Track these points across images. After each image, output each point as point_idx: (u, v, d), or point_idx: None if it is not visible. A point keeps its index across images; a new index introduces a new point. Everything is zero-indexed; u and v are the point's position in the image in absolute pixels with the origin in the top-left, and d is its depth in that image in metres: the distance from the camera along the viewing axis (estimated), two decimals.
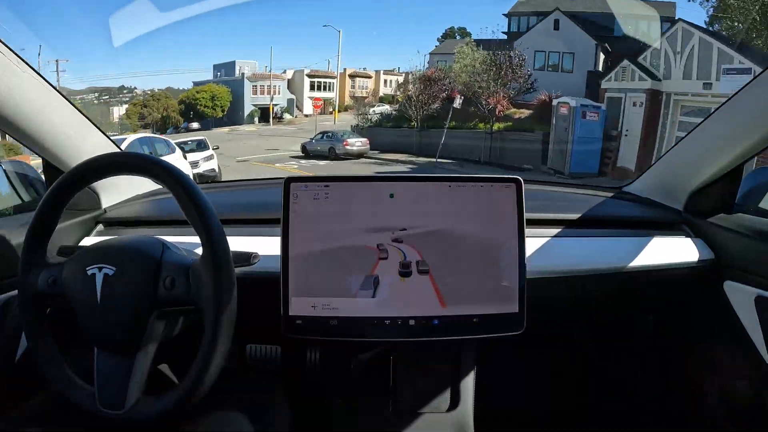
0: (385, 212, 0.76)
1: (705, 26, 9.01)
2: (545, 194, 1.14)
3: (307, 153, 11.91)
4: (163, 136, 10.46)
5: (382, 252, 0.76)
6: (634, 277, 0.90)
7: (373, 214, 0.76)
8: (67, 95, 0.82)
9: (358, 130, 13.10)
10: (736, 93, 0.81)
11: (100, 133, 0.94)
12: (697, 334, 1.01)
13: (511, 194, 0.77)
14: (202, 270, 0.60)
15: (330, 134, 12.21)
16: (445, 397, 0.97)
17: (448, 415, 0.96)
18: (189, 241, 0.76)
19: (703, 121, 0.92)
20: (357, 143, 11.67)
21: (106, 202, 1.00)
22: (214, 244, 0.59)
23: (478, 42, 12.33)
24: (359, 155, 11.43)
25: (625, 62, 9.62)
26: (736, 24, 8.63)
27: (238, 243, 0.69)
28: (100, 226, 0.96)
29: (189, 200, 0.59)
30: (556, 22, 11.29)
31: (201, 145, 9.93)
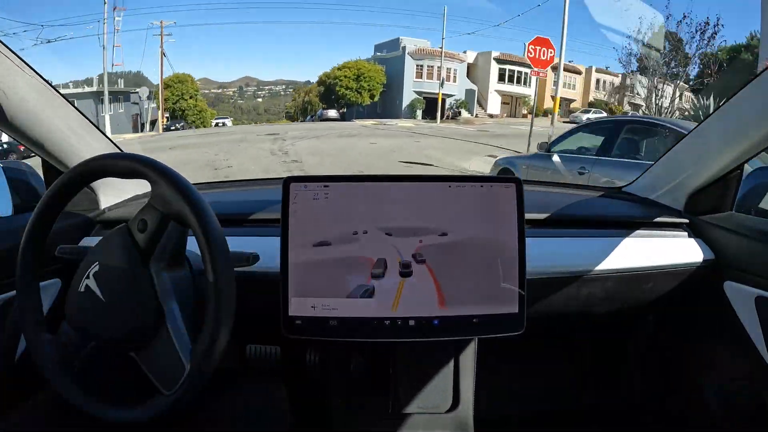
0: (384, 212, 0.76)
1: None
2: (545, 194, 1.14)
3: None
4: None
5: (382, 252, 0.76)
6: (635, 277, 0.90)
7: (373, 214, 0.76)
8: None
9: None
10: (736, 93, 0.81)
11: (100, 133, 0.94)
12: (697, 334, 1.01)
13: (511, 194, 0.77)
14: (162, 192, 0.59)
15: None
16: (445, 397, 0.97)
17: (448, 415, 0.96)
18: (189, 241, 0.76)
19: (704, 121, 0.92)
20: None
21: (105, 202, 1.00)
22: (213, 246, 0.59)
23: None
24: None
25: None
26: None
27: (238, 243, 0.69)
28: (100, 227, 0.96)
29: (188, 206, 0.59)
30: None
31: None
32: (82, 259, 0.64)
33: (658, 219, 0.97)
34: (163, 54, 19.63)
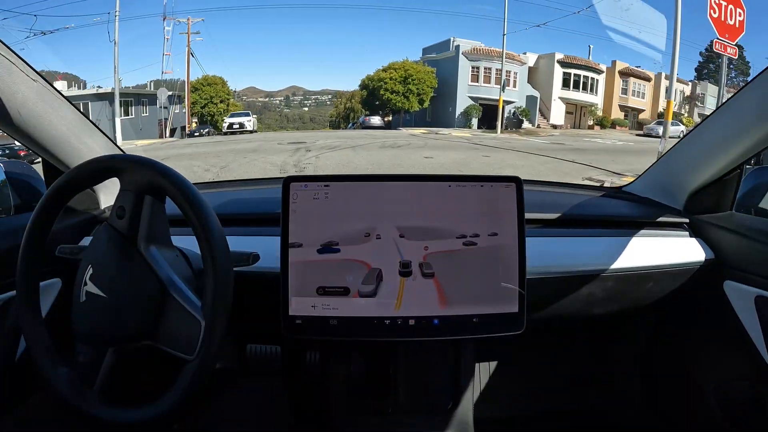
0: (385, 212, 0.76)
1: None
2: (545, 194, 1.14)
3: None
4: None
5: (382, 252, 0.76)
6: (635, 277, 0.90)
7: (373, 214, 0.76)
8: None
9: None
10: (736, 93, 0.81)
11: (100, 134, 0.94)
12: (697, 334, 1.01)
13: (511, 194, 0.77)
14: (130, 177, 0.61)
15: None
16: (445, 397, 0.97)
17: (448, 415, 0.96)
18: (190, 241, 0.76)
19: (704, 121, 0.92)
20: None
21: (106, 201, 1.00)
22: (214, 246, 0.59)
23: None
24: None
25: None
26: None
27: (238, 243, 0.69)
28: (100, 227, 0.96)
29: (186, 202, 0.59)
30: None
31: None
32: (82, 259, 0.64)
33: (659, 219, 0.97)
34: (190, 54, 18.24)
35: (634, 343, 1.18)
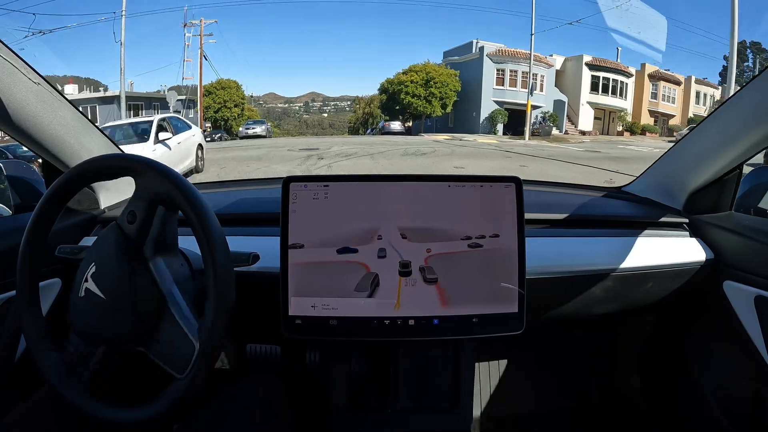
0: (384, 212, 0.76)
1: None
2: (545, 194, 1.14)
3: None
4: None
5: (382, 252, 0.76)
6: (634, 277, 0.90)
7: (373, 214, 0.76)
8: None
9: None
10: (736, 93, 0.81)
11: (100, 133, 0.94)
12: (696, 334, 1.01)
13: (510, 194, 0.77)
14: (145, 183, 0.61)
15: None
16: (445, 397, 0.97)
17: (448, 415, 0.96)
18: (190, 241, 0.76)
19: (703, 121, 0.92)
20: None
21: (105, 202, 1.00)
22: (214, 247, 0.59)
23: None
24: None
25: None
26: None
27: (238, 243, 0.69)
28: (100, 226, 0.96)
29: (186, 202, 0.59)
30: None
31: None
32: (82, 259, 0.64)
33: (658, 219, 0.97)
34: (203, 56, 17.93)
35: (634, 343, 1.18)
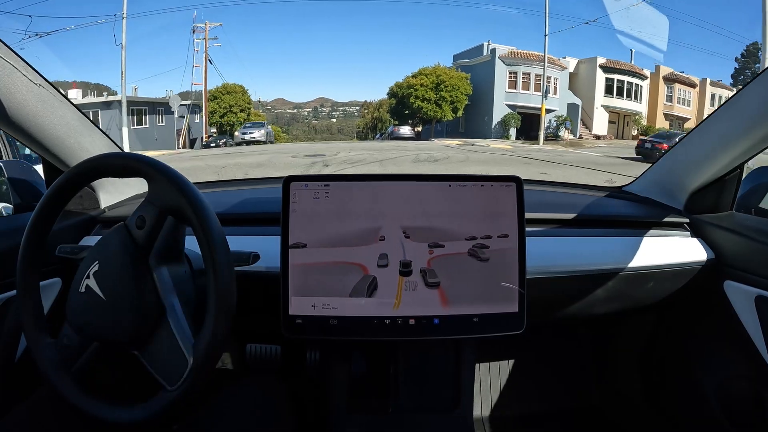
0: (385, 211, 0.76)
1: None
2: (546, 194, 1.14)
3: None
4: None
5: (383, 255, 0.76)
6: (635, 277, 0.90)
7: (373, 214, 0.76)
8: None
9: None
10: (736, 93, 0.81)
11: (100, 133, 0.94)
12: (697, 334, 1.01)
13: (511, 193, 0.77)
14: (158, 189, 0.60)
15: None
16: (445, 397, 0.97)
17: (448, 415, 0.96)
18: (190, 240, 0.76)
19: (704, 120, 0.92)
20: None
21: (106, 201, 1.00)
22: (213, 243, 0.59)
23: None
24: None
25: None
26: None
27: (238, 243, 0.69)
28: (100, 226, 0.96)
29: (185, 200, 0.59)
30: None
31: None
32: (83, 258, 0.64)
33: (659, 218, 0.97)
34: (209, 61, 17.25)
35: (634, 343, 1.18)
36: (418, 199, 0.77)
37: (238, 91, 19.08)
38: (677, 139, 0.99)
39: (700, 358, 0.99)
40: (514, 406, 1.23)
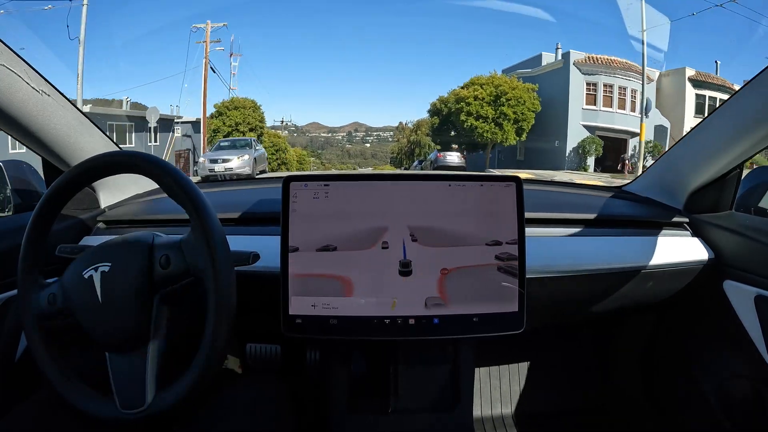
0: (384, 211, 0.76)
1: None
2: (545, 193, 1.14)
3: None
4: None
5: (382, 251, 0.76)
6: (635, 277, 0.90)
7: (373, 214, 0.76)
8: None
9: None
10: (737, 93, 0.81)
11: (100, 133, 0.94)
12: (697, 334, 1.01)
13: (511, 193, 0.77)
14: (195, 243, 0.61)
15: None
16: (445, 397, 0.97)
17: (448, 415, 0.96)
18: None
19: (704, 120, 0.92)
20: None
21: (106, 201, 1.00)
22: (214, 247, 0.59)
23: None
24: None
25: None
26: None
27: (238, 243, 0.69)
28: (100, 226, 0.96)
29: (183, 193, 0.59)
30: None
31: None
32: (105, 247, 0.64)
33: (659, 218, 0.97)
34: (211, 68, 14.47)
35: (634, 343, 1.18)
36: (418, 199, 0.76)
37: (248, 107, 15.93)
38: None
39: (700, 358, 0.99)
40: (514, 405, 1.23)
